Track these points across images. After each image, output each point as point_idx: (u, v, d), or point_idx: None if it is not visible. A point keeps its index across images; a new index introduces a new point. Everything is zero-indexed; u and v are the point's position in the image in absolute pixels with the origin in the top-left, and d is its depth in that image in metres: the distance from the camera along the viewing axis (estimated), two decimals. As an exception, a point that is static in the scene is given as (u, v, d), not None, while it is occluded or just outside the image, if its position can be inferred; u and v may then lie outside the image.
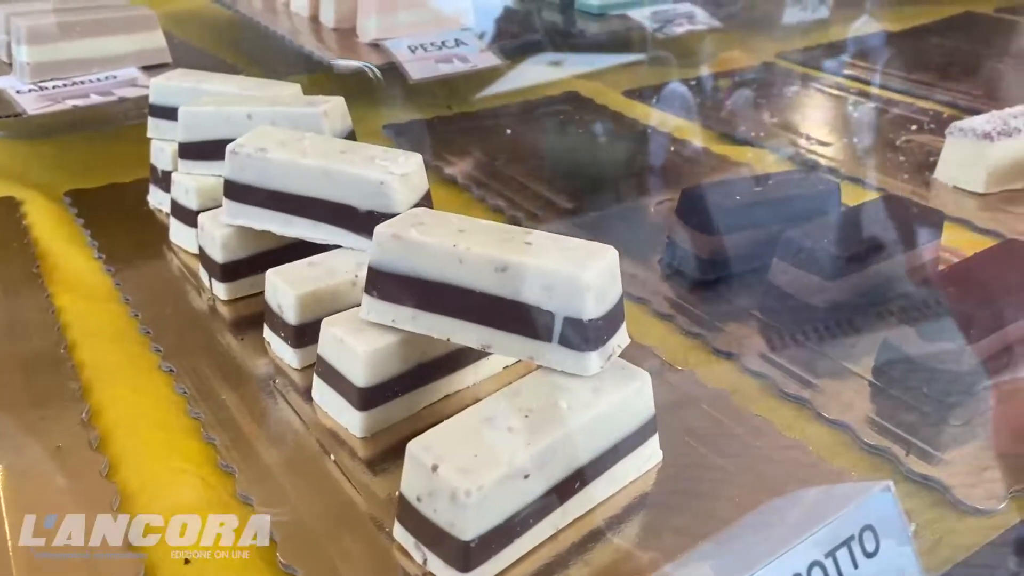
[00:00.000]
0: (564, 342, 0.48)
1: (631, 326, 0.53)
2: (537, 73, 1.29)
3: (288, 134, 0.68)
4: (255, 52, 1.34)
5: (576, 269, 0.47)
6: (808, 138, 1.07)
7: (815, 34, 1.53)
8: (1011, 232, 0.82)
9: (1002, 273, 0.62)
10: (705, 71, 1.34)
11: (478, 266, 0.49)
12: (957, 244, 0.81)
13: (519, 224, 0.85)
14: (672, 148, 1.05)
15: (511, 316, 0.49)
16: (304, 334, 0.60)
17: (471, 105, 1.18)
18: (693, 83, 1.30)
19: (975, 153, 0.89)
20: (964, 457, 0.54)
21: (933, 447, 0.55)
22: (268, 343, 0.65)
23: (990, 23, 1.66)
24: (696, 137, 1.10)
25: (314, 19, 1.28)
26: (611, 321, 0.49)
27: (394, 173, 0.62)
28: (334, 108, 0.75)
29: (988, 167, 0.88)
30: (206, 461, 0.55)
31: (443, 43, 1.13)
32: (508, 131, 1.10)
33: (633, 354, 0.55)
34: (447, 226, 0.52)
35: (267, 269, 0.64)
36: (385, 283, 0.52)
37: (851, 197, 0.91)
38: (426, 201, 0.66)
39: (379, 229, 0.52)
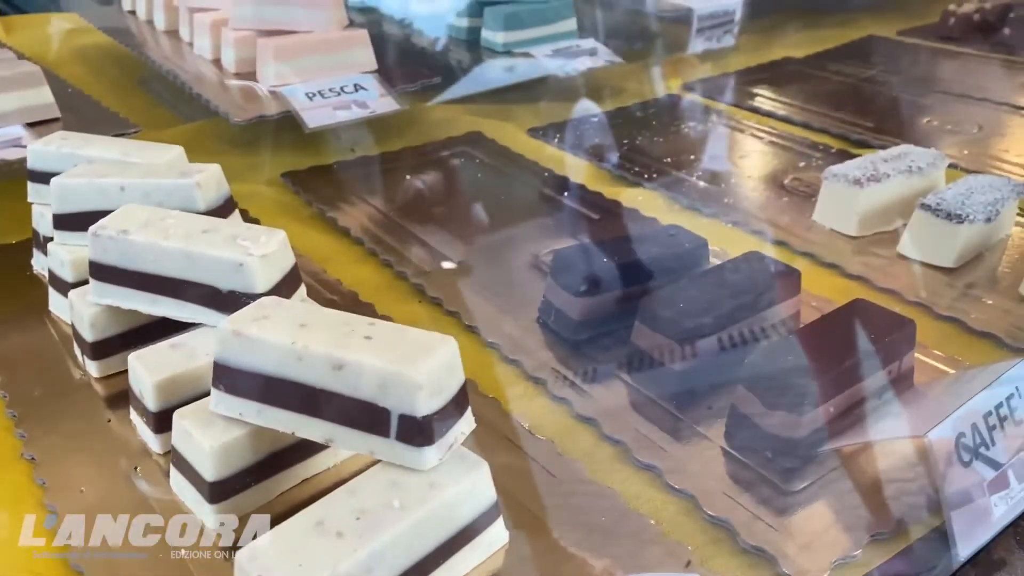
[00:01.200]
0: (401, 438, 0.49)
1: (502, 388, 0.55)
2: (441, 113, 1.30)
3: (153, 213, 0.68)
4: (160, 91, 1.33)
5: (409, 368, 0.48)
6: (699, 177, 1.10)
7: (721, 62, 1.57)
8: (877, 278, 0.85)
9: (847, 336, 0.65)
10: (609, 106, 1.36)
11: (316, 364, 0.50)
12: (828, 291, 0.84)
13: (407, 280, 0.87)
14: (566, 193, 1.07)
15: (350, 412, 0.50)
16: (165, 419, 0.61)
17: (374, 148, 1.19)
18: (595, 119, 1.32)
19: (847, 198, 0.92)
20: (800, 525, 0.57)
21: (772, 515, 0.57)
22: (135, 425, 0.65)
23: (892, 47, 1.71)
24: (593, 178, 1.12)
25: (217, 62, 1.28)
26: (450, 412, 0.50)
27: (254, 255, 0.63)
28: (208, 178, 0.75)
29: (859, 212, 0.92)
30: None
31: (342, 88, 1.14)
32: (407, 176, 1.11)
33: (493, 420, 0.56)
34: (290, 320, 0.53)
35: (139, 344, 0.64)
36: (230, 377, 0.53)
37: (732, 241, 0.95)
38: (292, 277, 0.67)
39: (222, 325, 0.53)
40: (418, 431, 0.49)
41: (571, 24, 1.37)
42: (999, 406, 0.57)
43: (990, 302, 0.81)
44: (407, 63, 1.28)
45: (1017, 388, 0.58)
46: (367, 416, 0.50)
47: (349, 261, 0.92)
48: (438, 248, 0.93)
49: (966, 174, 1.03)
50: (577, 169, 1.15)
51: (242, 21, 1.21)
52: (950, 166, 1.11)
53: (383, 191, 1.07)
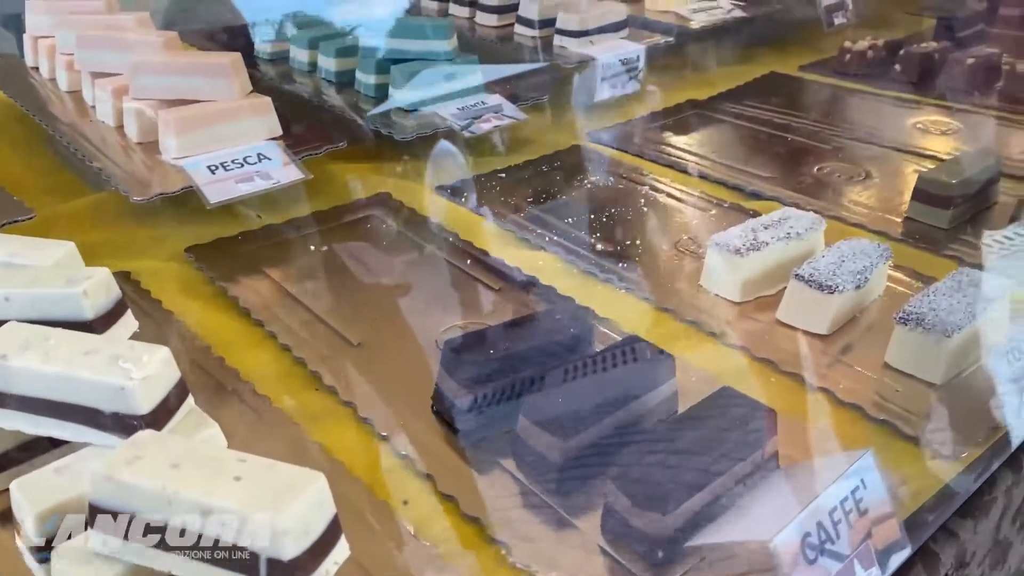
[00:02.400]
0: (271, 577, 0.51)
1: (391, 487, 0.56)
2: (350, 172, 1.32)
3: (34, 333, 0.69)
4: (66, 154, 1.31)
5: (274, 513, 0.50)
6: (597, 239, 1.13)
7: (627, 108, 1.61)
8: (755, 347, 0.90)
9: (711, 428, 0.69)
10: (516, 159, 1.40)
11: (186, 508, 0.52)
12: (710, 361, 0.89)
13: (304, 366, 0.89)
14: (469, 261, 1.09)
15: (222, 555, 0.52)
16: (49, 548, 0.61)
17: (281, 214, 1.20)
18: (502, 175, 1.35)
19: (730, 267, 0.97)
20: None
21: (638, 612, 0.61)
22: (21, 552, 0.65)
23: (791, 85, 1.79)
24: (497, 241, 1.15)
25: (120, 129, 1.27)
26: (319, 549, 0.53)
27: (135, 378, 0.64)
28: (95, 285, 0.76)
29: (741, 279, 0.97)
30: None
31: (245, 159, 1.14)
32: (311, 247, 1.13)
33: (383, 525, 0.58)
34: (162, 461, 0.54)
35: (25, 461, 0.65)
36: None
37: (622, 308, 0.99)
38: (178, 391, 0.68)
39: (94, 468, 0.54)
40: (287, 573, 0.51)
41: (477, 79, 1.40)
42: (844, 500, 0.61)
43: (859, 370, 0.87)
44: (314, 125, 1.28)
45: (862, 480, 0.63)
46: (238, 560, 0.51)
47: (250, 345, 0.94)
48: (338, 328, 0.94)
49: (848, 227, 1.09)
50: (482, 232, 1.18)
51: (143, 91, 1.21)
52: (833, 217, 1.18)
53: (286, 264, 1.08)
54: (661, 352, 0.78)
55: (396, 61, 1.39)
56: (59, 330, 0.70)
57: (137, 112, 1.20)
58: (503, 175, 1.35)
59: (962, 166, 1.18)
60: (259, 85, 1.45)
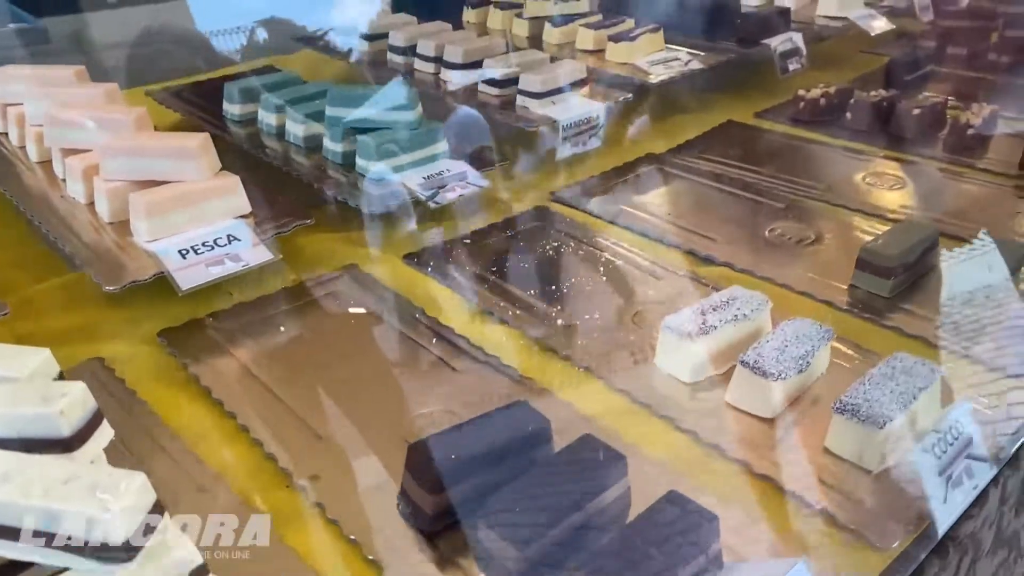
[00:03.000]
0: None
1: None
2: (319, 243, 1.36)
3: (12, 462, 0.72)
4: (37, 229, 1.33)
5: None
6: (557, 313, 1.18)
7: (589, 164, 1.66)
8: (704, 432, 0.95)
9: (658, 534, 0.74)
10: (481, 223, 1.44)
11: None
12: (663, 447, 0.94)
13: (274, 462, 0.92)
14: (434, 339, 1.14)
15: None
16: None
17: (252, 289, 1.23)
18: (467, 240, 1.40)
19: (681, 349, 1.02)
20: None
21: None
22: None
23: (749, 135, 1.85)
24: (461, 316, 1.19)
25: (91, 207, 1.30)
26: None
27: (112, 509, 0.68)
28: (71, 404, 0.79)
29: (692, 362, 1.02)
30: None
31: (215, 241, 1.18)
32: (281, 328, 1.16)
33: None
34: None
35: (8, 581, 0.68)
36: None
37: (579, 388, 1.04)
38: (156, 511, 0.72)
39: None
40: None
41: (442, 146, 1.44)
42: (776, 610, 0.66)
43: (801, 455, 0.92)
44: (283, 196, 1.31)
45: (791, 585, 0.68)
46: None
47: (222, 438, 0.97)
48: (308, 419, 0.98)
49: (795, 295, 1.15)
50: (448, 305, 1.22)
51: (114, 173, 1.24)
52: (783, 285, 1.24)
53: (257, 347, 1.12)
54: (614, 452, 0.82)
55: (362, 130, 1.43)
56: (38, 458, 0.73)
57: (108, 194, 1.23)
58: (468, 240, 1.39)
59: (902, 236, 1.24)
60: (228, 148, 1.50)
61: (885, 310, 1.18)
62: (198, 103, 1.79)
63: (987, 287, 1.18)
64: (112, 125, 1.32)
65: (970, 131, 1.70)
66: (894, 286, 1.20)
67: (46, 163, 1.45)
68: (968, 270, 1.21)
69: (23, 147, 1.51)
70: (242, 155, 1.54)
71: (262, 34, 2.45)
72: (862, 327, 1.16)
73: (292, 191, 1.38)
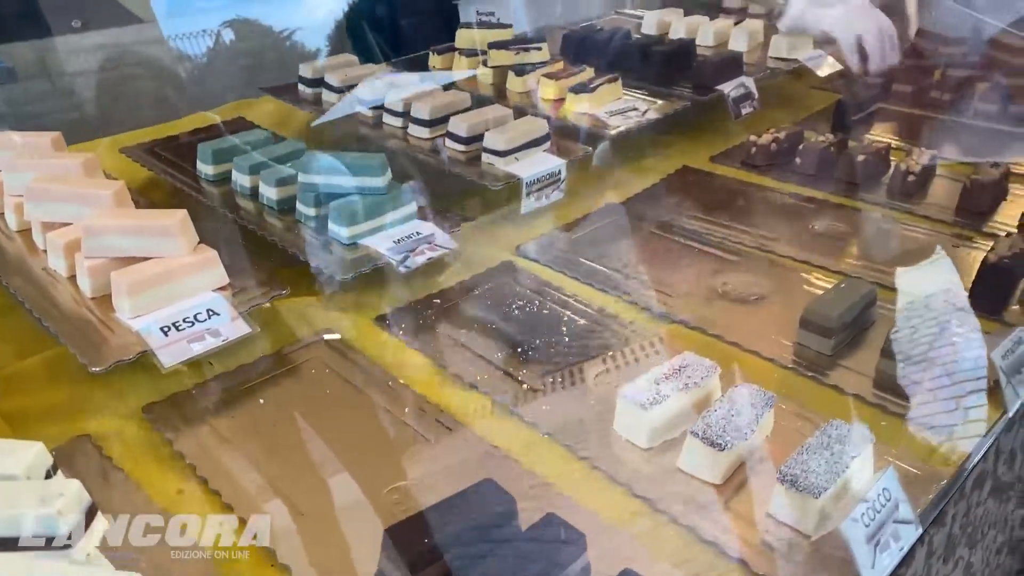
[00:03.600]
0: None
1: None
2: (296, 307, 1.42)
3: (20, 567, 0.78)
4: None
5: None
6: (523, 377, 1.25)
7: (552, 214, 1.74)
8: (658, 498, 1.03)
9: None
10: (451, 280, 1.51)
11: None
12: (619, 515, 1.02)
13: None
14: (407, 409, 1.20)
15: None
16: None
17: (231, 358, 1.29)
18: (437, 300, 1.47)
19: (636, 418, 1.10)
20: None
21: None
22: None
23: (703, 181, 1.93)
24: (432, 382, 1.26)
25: (73, 280, 1.35)
26: None
27: (114, 612, 0.74)
28: (67, 503, 0.85)
29: (647, 430, 1.10)
30: None
31: (195, 317, 1.24)
32: (260, 399, 1.23)
33: None
34: None
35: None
36: None
37: (541, 453, 1.11)
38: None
39: None
40: None
41: (411, 208, 1.51)
42: None
43: (746, 521, 1.00)
44: (258, 263, 1.37)
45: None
46: None
47: (209, 513, 1.03)
48: (288, 494, 1.05)
49: (744, 353, 1.23)
50: (419, 370, 1.29)
51: (96, 251, 1.29)
52: (732, 343, 1.32)
53: (237, 420, 1.18)
54: (574, 532, 0.90)
55: (334, 195, 1.50)
56: (38, 563, 0.79)
57: (90, 271, 1.29)
58: (438, 300, 1.46)
59: (843, 294, 1.33)
60: (202, 210, 1.55)
61: (827, 368, 1.27)
62: (171, 161, 1.84)
63: (917, 344, 1.27)
64: (92, 201, 1.37)
65: (911, 178, 1.80)
66: (835, 344, 1.29)
67: (25, 231, 1.49)
68: (902, 326, 1.31)
69: (1, 214, 1.55)
70: (217, 218, 1.59)
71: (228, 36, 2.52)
72: (805, 385, 1.25)
73: (267, 255, 1.44)
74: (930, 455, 1.12)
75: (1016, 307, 1.40)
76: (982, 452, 1.13)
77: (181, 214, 1.32)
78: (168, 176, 1.77)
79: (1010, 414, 1.19)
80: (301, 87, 2.10)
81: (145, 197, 1.65)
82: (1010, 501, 1.44)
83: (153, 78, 2.60)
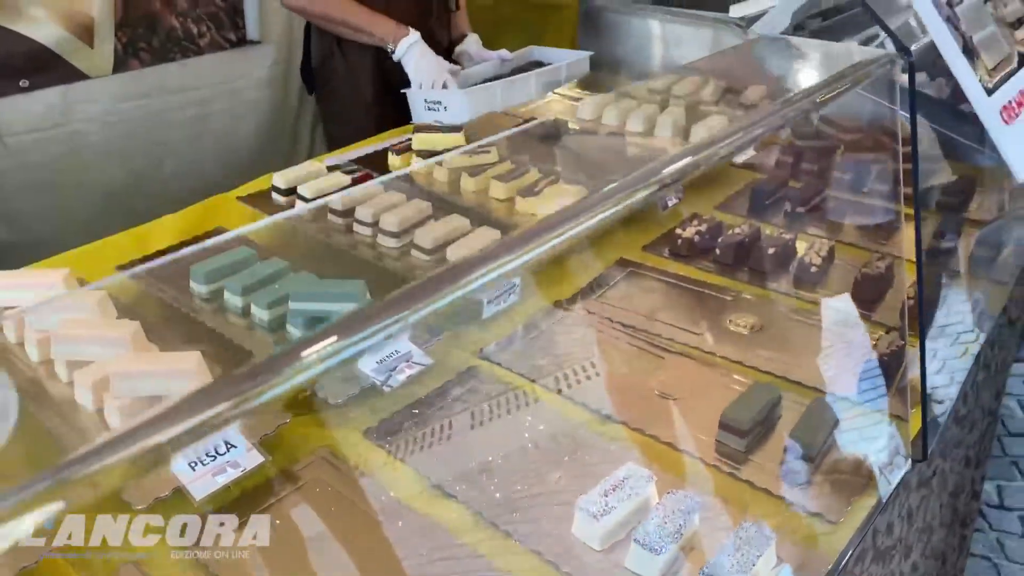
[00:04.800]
0: None
1: None
2: (293, 431, 1.65)
3: None
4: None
5: None
6: (494, 488, 1.51)
7: (512, 316, 2.00)
8: (610, 597, 1.30)
9: None
10: (429, 386, 1.76)
11: None
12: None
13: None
14: (400, 523, 1.45)
15: None
16: None
17: (248, 479, 1.52)
18: (415, 410, 1.71)
19: (590, 525, 1.37)
20: None
21: None
22: None
23: (636, 271, 2.21)
24: (416, 495, 1.51)
25: (100, 413, 1.56)
26: None
27: None
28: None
29: (599, 533, 1.37)
30: None
31: (216, 450, 1.46)
32: (277, 521, 1.46)
33: None
34: None
35: None
36: None
37: (516, 568, 1.37)
38: None
39: None
40: None
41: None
42: None
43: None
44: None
45: None
46: None
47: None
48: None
49: (676, 452, 1.51)
50: (406, 484, 1.53)
51: (123, 392, 1.50)
52: (666, 443, 1.60)
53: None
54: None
55: (320, 319, 1.73)
56: None
57: (120, 410, 1.50)
58: (416, 411, 1.71)
59: (753, 397, 1.63)
60: (199, 330, 1.77)
61: (742, 463, 1.56)
62: (169, 282, 2.02)
63: (814, 436, 1.57)
64: (113, 343, 1.58)
65: (813, 269, 2.11)
66: (748, 443, 1.58)
67: (47, 362, 1.68)
68: (801, 422, 1.61)
69: (21, 343, 1.74)
70: (214, 338, 1.80)
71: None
72: (725, 480, 1.53)
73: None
74: (823, 541, 1.41)
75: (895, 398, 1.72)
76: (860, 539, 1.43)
77: (196, 356, 1.54)
78: (165, 298, 1.96)
79: (884, 500, 1.50)
80: (275, 195, 2.31)
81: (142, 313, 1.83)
82: (893, 559, 1.76)
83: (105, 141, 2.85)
